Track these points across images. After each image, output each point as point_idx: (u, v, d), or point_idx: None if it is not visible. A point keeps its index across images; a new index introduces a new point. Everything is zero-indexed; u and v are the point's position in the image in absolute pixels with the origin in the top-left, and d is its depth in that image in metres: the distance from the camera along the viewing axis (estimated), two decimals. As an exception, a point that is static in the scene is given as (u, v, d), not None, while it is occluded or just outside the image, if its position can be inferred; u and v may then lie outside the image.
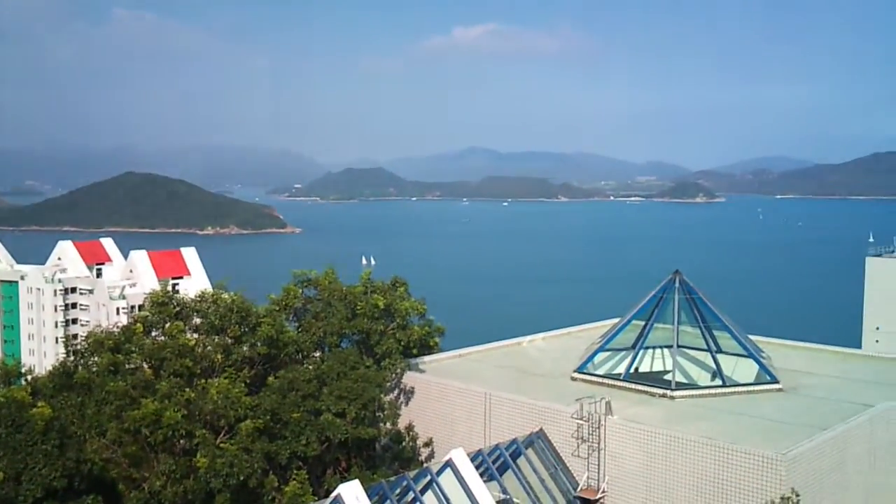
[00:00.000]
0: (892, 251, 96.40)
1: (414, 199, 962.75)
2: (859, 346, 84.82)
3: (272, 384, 35.33)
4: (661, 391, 37.50)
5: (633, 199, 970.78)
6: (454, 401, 38.59)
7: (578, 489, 33.12)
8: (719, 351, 39.74)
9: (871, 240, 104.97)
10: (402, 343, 39.90)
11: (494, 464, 32.82)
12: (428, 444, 38.86)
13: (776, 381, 38.45)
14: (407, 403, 40.26)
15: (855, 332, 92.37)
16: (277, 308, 39.43)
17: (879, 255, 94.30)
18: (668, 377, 38.66)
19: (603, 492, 32.66)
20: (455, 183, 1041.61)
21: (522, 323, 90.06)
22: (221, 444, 31.79)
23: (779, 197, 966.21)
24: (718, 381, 38.24)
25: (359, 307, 39.37)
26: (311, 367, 37.35)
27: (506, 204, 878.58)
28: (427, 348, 43.73)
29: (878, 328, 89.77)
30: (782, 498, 26.14)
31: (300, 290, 40.48)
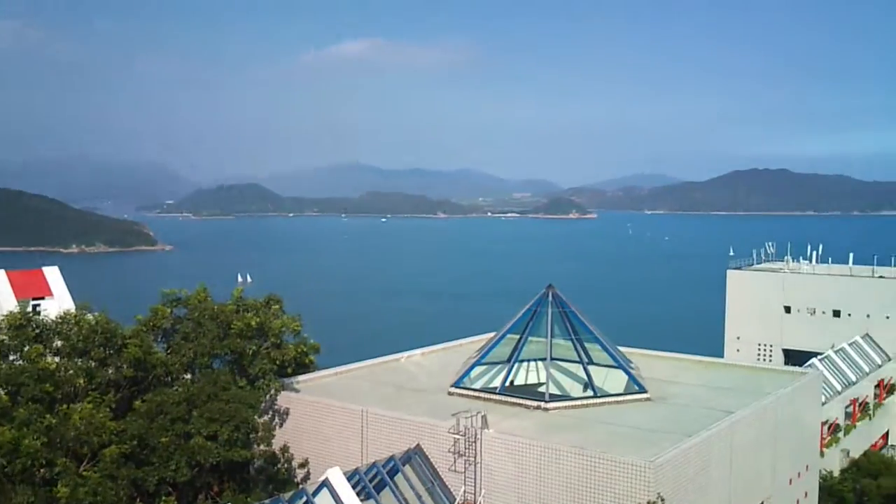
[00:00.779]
0: (751, 264, 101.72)
1: (291, 215, 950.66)
2: (721, 356, 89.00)
3: (139, 408, 33.99)
4: (535, 403, 38.19)
5: (509, 215, 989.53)
6: (330, 419, 38.15)
7: (455, 503, 33.30)
8: (591, 363, 40.84)
9: (732, 253, 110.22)
10: (277, 362, 39.14)
11: (371, 482, 32.60)
12: (304, 464, 38.24)
13: (644, 391, 39.80)
14: (282, 424, 39.51)
15: (717, 341, 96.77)
16: (145, 329, 37.95)
17: (739, 268, 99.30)
18: (542, 389, 39.43)
19: (479, 505, 32.94)
20: (334, 199, 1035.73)
21: (401, 339, 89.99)
22: (84, 472, 30.33)
23: (647, 212, 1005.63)
24: (590, 392, 39.27)
25: (231, 326, 38.41)
26: (180, 389, 36.13)
27: (384, 220, 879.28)
28: (303, 367, 43.07)
29: (738, 338, 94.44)
30: (648, 503, 27.05)
31: (169, 310, 39.13)
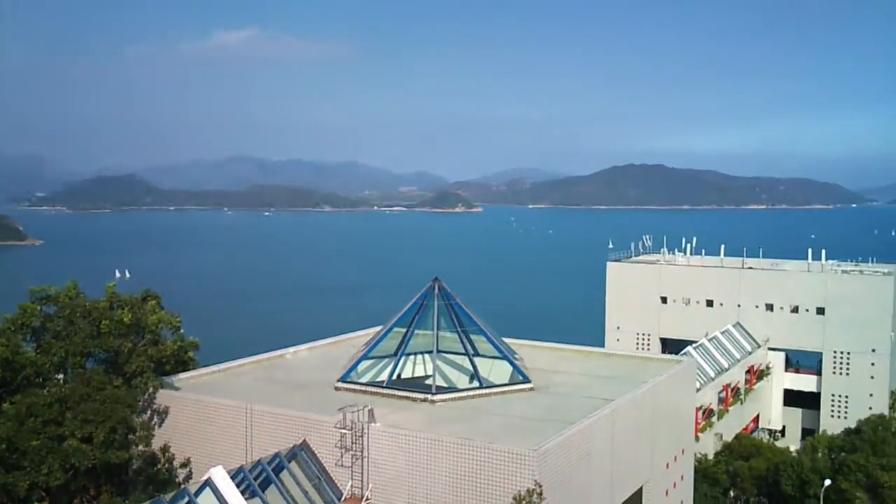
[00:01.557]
0: (630, 256, 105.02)
1: (172, 208, 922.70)
2: (602, 345, 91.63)
3: (8, 410, 32.32)
4: (422, 396, 38.31)
5: (396, 208, 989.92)
6: (213, 417, 37.22)
7: (342, 499, 33.05)
8: (476, 354, 41.28)
9: (611, 246, 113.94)
10: (155, 360, 37.90)
11: (256, 480, 31.99)
12: (185, 464, 37.18)
13: (528, 381, 40.51)
14: (162, 423, 38.30)
15: (598, 331, 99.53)
16: (13, 328, 36.05)
17: (618, 261, 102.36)
18: (428, 382, 39.59)
19: (367, 499, 32.82)
20: (217, 192, 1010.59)
21: (286, 335, 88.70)
22: (-54, 481, 28.64)
23: (531, 207, 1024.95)
24: (476, 384, 39.69)
25: (103, 324, 36.89)
26: (52, 390, 34.53)
27: (268, 214, 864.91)
28: (183, 364, 41.88)
29: (618, 328, 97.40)
30: (528, 491, 27.56)
31: (39, 308, 37.27)
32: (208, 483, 30.08)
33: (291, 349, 49.79)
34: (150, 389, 37.64)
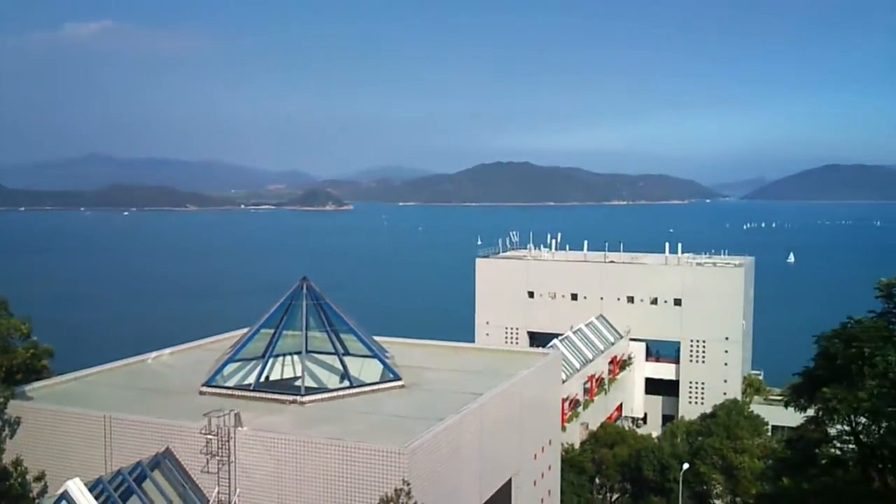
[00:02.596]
0: (498, 252, 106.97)
1: (22, 209, 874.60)
2: (473, 340, 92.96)
3: None
4: (291, 398, 37.75)
5: (263, 207, 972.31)
6: (69, 428, 35.44)
7: (209, 506, 32.17)
8: (346, 353, 41.00)
9: (480, 242, 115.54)
10: (4, 368, 35.81)
11: (117, 491, 30.71)
12: (40, 478, 35.21)
13: (399, 379, 40.58)
14: (13, 436, 36.14)
15: (469, 327, 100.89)
16: None
17: (487, 257, 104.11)
18: (298, 383, 39.04)
19: (234, 505, 32.06)
20: (71, 192, 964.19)
21: (148, 340, 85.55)
22: None
23: (401, 204, 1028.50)
24: (346, 383, 39.42)
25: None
26: None
27: (127, 214, 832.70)
28: (36, 373, 39.75)
29: (487, 323, 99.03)
30: (395, 491, 27.63)
31: None
32: (64, 496, 28.71)
33: (153, 354, 48.05)
34: (0, 400, 35.51)
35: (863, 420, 25.66)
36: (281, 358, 41.26)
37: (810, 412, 27.43)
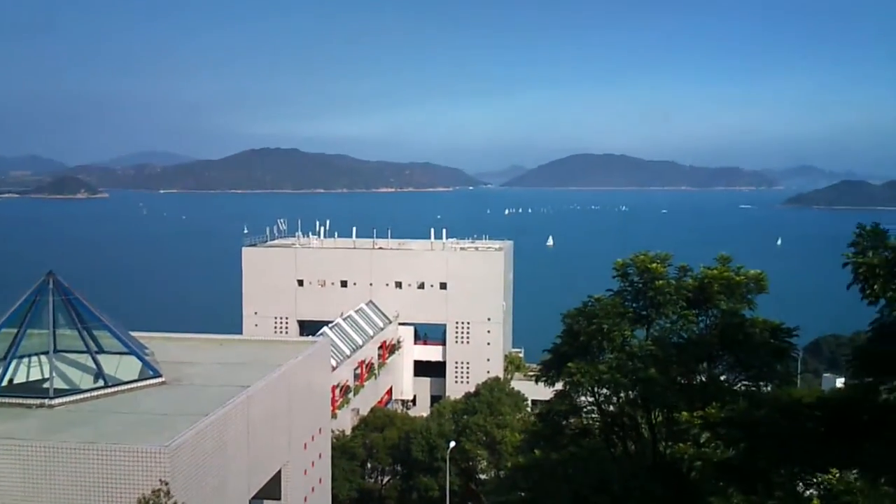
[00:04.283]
0: (265, 241, 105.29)
1: None
2: (241, 332, 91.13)
3: None
4: (38, 401, 35.20)
5: (6, 195, 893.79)
6: None
7: (-56, 526, 29.45)
8: (100, 351, 38.75)
9: (246, 231, 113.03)
10: None
11: None
12: None
13: (159, 375, 38.99)
14: None
15: (237, 318, 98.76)
16: None
17: (254, 245, 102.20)
18: (46, 385, 36.43)
19: (-26, 523, 29.57)
20: None
21: None
22: None
23: (162, 192, 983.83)
24: (101, 383, 37.31)
25: None
26: None
27: None
28: None
29: (256, 313, 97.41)
30: (153, 492, 26.75)
31: None
32: None
33: None
34: None
35: (604, 391, 28.04)
36: (26, 359, 38.26)
37: (559, 386, 29.54)
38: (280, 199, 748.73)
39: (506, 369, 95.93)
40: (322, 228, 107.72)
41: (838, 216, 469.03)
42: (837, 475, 17.03)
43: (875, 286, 16.41)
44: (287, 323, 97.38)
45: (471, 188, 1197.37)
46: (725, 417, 19.88)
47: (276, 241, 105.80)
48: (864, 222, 17.90)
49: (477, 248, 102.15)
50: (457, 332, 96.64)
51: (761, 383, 27.19)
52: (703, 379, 26.86)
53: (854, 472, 18.08)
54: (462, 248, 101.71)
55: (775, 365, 26.89)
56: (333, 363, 67.28)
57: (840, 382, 71.05)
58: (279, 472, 40.56)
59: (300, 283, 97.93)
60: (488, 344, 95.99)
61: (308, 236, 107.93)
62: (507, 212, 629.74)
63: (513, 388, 78.45)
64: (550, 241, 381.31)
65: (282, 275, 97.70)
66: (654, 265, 27.40)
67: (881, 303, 16.79)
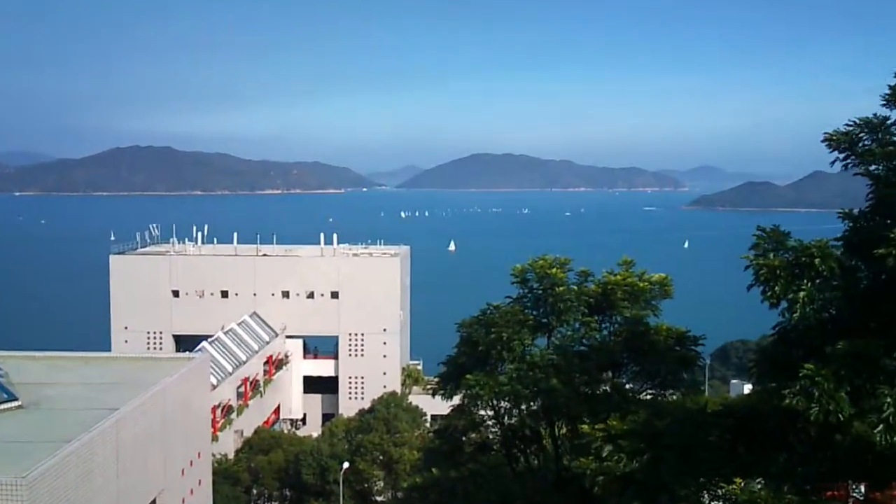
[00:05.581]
0: (136, 248, 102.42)
1: None
2: (109, 348, 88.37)
3: None
4: None
5: None
6: None
7: None
8: (-56, 374, 37.11)
9: (114, 238, 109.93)
10: None
11: None
12: None
13: (15, 398, 37.49)
14: None
15: (104, 334, 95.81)
16: None
17: (123, 253, 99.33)
18: None
19: None
20: None
21: None
22: None
23: (17, 194, 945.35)
24: (-53, 409, 35.69)
25: None
26: None
27: None
28: None
29: (126, 328, 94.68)
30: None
31: None
32: None
33: None
34: None
35: (505, 404, 28.44)
36: None
37: (457, 399, 29.80)
38: (152, 202, 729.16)
39: (403, 383, 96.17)
40: (200, 234, 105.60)
41: (743, 217, 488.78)
42: (742, 484, 17.73)
43: (776, 288, 17.16)
44: (161, 338, 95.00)
45: (364, 190, 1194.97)
46: (628, 429, 20.41)
47: (147, 249, 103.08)
48: (768, 224, 18.76)
49: (371, 254, 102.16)
50: (350, 345, 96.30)
51: (667, 392, 28.07)
52: (608, 389, 27.53)
53: (759, 480, 18.89)
54: (355, 254, 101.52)
55: (681, 373, 27.80)
56: (214, 381, 66.04)
57: (748, 388, 74.11)
58: (154, 501, 39.58)
59: (175, 294, 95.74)
60: (384, 356, 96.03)
61: (184, 243, 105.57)
62: (403, 215, 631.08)
63: (411, 404, 78.74)
64: (452, 246, 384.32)
65: (155, 285, 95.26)
66: (554, 270, 27.95)
67: (783, 305, 17.58)
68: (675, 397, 27.46)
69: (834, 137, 18.73)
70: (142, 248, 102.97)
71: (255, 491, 69.88)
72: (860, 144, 18.57)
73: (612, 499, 20.15)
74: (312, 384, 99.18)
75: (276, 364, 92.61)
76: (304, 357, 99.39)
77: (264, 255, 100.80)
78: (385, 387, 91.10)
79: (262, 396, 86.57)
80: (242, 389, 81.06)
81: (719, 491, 18.83)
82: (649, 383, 28.24)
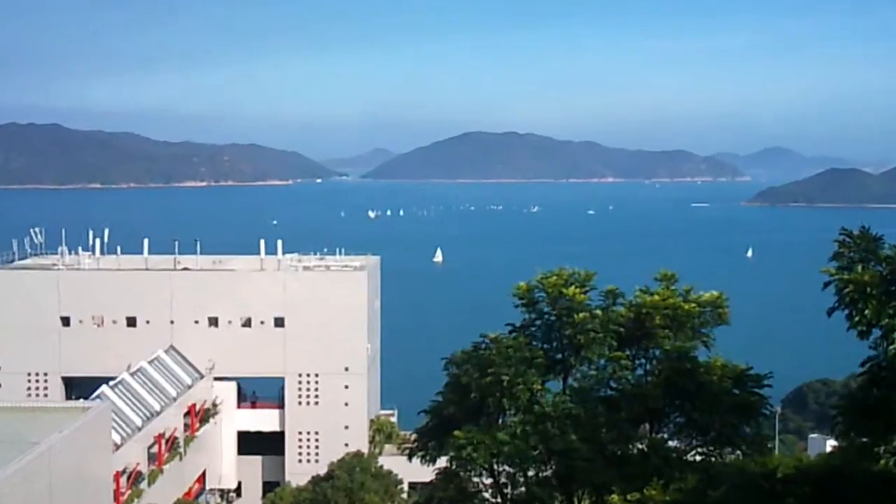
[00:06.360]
0: (13, 260, 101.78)
1: None
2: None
3: None
4: None
5: None
6: None
7: None
8: None
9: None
10: None
11: None
12: None
13: None
14: None
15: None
16: None
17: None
18: None
19: None
20: None
21: None
22: None
23: None
24: None
25: None
26: None
27: None
28: None
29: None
30: None
31: None
32: None
33: None
34: None
35: (506, 468, 28.26)
36: None
37: (443, 462, 29.62)
38: (34, 197, 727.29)
39: (372, 440, 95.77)
40: (98, 241, 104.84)
41: (825, 216, 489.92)
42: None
43: (866, 311, 16.88)
44: (47, 381, 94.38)
45: (318, 181, 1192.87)
46: (672, 501, 20.42)
47: (28, 261, 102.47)
48: (855, 225, 18.57)
49: (328, 268, 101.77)
50: (300, 389, 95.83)
51: (723, 451, 27.97)
52: (644, 447, 27.46)
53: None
54: (306, 268, 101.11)
55: (741, 425, 27.72)
56: (117, 438, 65.74)
57: (831, 445, 74.33)
58: None
59: (65, 321, 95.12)
60: (346, 405, 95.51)
61: (77, 253, 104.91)
62: (371, 214, 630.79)
63: (381, 468, 78.45)
64: (438, 256, 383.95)
65: (38, 310, 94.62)
66: (572, 289, 27.77)
67: (875, 333, 17.35)
68: (733, 458, 27.38)
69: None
70: (20, 260, 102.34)
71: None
72: None
73: None
74: (250, 442, 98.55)
75: (200, 415, 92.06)
76: (239, 406, 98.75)
77: (185, 268, 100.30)
78: (347, 445, 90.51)
79: (181, 459, 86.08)
80: (156, 450, 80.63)
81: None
82: (699, 439, 28.20)
